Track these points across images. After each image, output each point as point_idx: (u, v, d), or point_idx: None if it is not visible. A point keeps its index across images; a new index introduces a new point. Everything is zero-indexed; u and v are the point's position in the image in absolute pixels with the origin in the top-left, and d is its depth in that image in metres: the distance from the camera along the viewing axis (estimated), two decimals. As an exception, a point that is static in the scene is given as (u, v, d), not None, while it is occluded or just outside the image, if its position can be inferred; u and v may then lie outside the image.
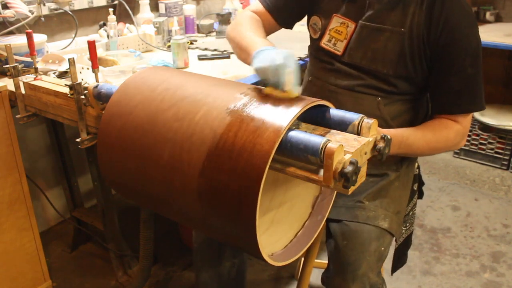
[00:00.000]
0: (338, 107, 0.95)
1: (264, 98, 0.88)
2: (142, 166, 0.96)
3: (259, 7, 1.37)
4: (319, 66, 1.32)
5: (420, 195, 1.45)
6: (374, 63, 1.20)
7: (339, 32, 1.24)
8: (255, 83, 1.70)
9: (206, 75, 1.09)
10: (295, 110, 0.82)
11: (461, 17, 1.13)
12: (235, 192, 0.81)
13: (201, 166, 0.85)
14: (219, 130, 0.84)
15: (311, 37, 1.35)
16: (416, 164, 1.40)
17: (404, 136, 1.16)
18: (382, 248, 1.21)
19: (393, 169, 1.29)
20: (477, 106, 1.19)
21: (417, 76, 1.20)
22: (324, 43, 1.28)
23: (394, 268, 1.48)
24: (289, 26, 1.41)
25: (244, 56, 1.17)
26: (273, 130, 0.79)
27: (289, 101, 0.86)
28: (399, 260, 1.47)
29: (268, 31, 1.37)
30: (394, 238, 1.27)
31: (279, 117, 0.81)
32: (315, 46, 1.32)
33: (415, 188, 1.40)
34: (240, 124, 0.83)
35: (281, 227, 1.07)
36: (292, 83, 0.90)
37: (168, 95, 0.95)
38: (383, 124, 1.22)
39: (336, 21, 1.25)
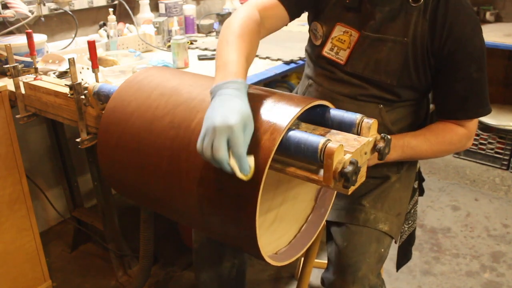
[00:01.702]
0: None
1: (259, 100, 0.87)
2: (142, 174, 0.96)
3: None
4: (319, 73, 1.29)
5: (421, 192, 1.45)
6: (377, 73, 1.18)
7: (342, 41, 1.21)
8: (255, 84, 1.70)
9: (202, 74, 1.06)
10: (293, 112, 0.82)
11: (466, 22, 1.12)
12: (234, 198, 0.81)
13: (199, 176, 0.85)
14: None
15: (311, 42, 1.31)
16: (417, 167, 1.40)
17: (406, 141, 1.16)
18: (382, 250, 1.21)
19: (393, 171, 1.29)
20: (483, 111, 1.18)
21: (421, 84, 1.19)
22: (326, 51, 1.24)
23: (399, 265, 1.48)
24: (297, 17, 1.28)
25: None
26: (266, 146, 0.78)
27: (289, 102, 0.86)
28: (404, 257, 1.46)
29: (276, 25, 1.24)
30: (394, 241, 1.27)
31: (274, 124, 0.80)
32: (316, 52, 1.29)
33: (416, 186, 1.40)
34: None
35: (285, 223, 1.07)
36: (239, 168, 0.75)
37: (163, 102, 0.94)
38: (384, 130, 1.22)
39: (339, 30, 1.22)
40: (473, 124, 1.20)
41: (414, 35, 1.13)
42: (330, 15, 1.23)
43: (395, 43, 1.15)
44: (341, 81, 1.23)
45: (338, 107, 1.01)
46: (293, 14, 1.25)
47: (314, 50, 1.30)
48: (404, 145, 1.15)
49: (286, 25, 1.27)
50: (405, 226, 1.38)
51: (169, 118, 0.91)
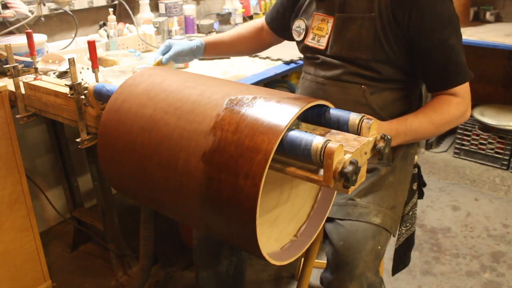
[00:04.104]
0: (326, 97, 0.97)
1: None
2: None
3: (264, 20, 1.57)
4: (308, 63, 1.38)
5: (421, 195, 1.45)
6: (353, 51, 1.23)
7: (321, 28, 1.29)
8: (255, 83, 1.70)
9: (179, 89, 0.99)
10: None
11: None
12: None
13: (199, 210, 0.87)
14: (203, 183, 0.84)
15: (296, 41, 1.40)
16: (415, 160, 1.39)
17: (407, 123, 1.17)
18: (379, 247, 1.21)
19: (383, 163, 1.29)
20: (466, 76, 1.20)
21: (397, 58, 1.21)
22: (308, 41, 1.33)
23: (395, 270, 1.47)
24: (286, 36, 1.53)
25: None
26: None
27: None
28: (401, 261, 1.46)
29: (269, 42, 1.60)
30: (392, 235, 1.27)
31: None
32: (301, 47, 1.38)
33: (415, 187, 1.39)
34: (219, 175, 0.82)
35: (286, 221, 1.08)
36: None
37: (145, 139, 0.94)
38: (372, 113, 1.23)
39: (317, 19, 1.30)
40: (464, 90, 1.21)
41: (379, 9, 1.18)
42: (309, 10, 1.34)
43: (364, 20, 1.20)
44: (324, 64, 1.30)
45: (323, 90, 1.05)
46: (277, 32, 1.53)
47: (299, 45, 1.40)
48: (406, 128, 1.17)
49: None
50: (403, 228, 1.37)
51: (157, 159, 0.92)
